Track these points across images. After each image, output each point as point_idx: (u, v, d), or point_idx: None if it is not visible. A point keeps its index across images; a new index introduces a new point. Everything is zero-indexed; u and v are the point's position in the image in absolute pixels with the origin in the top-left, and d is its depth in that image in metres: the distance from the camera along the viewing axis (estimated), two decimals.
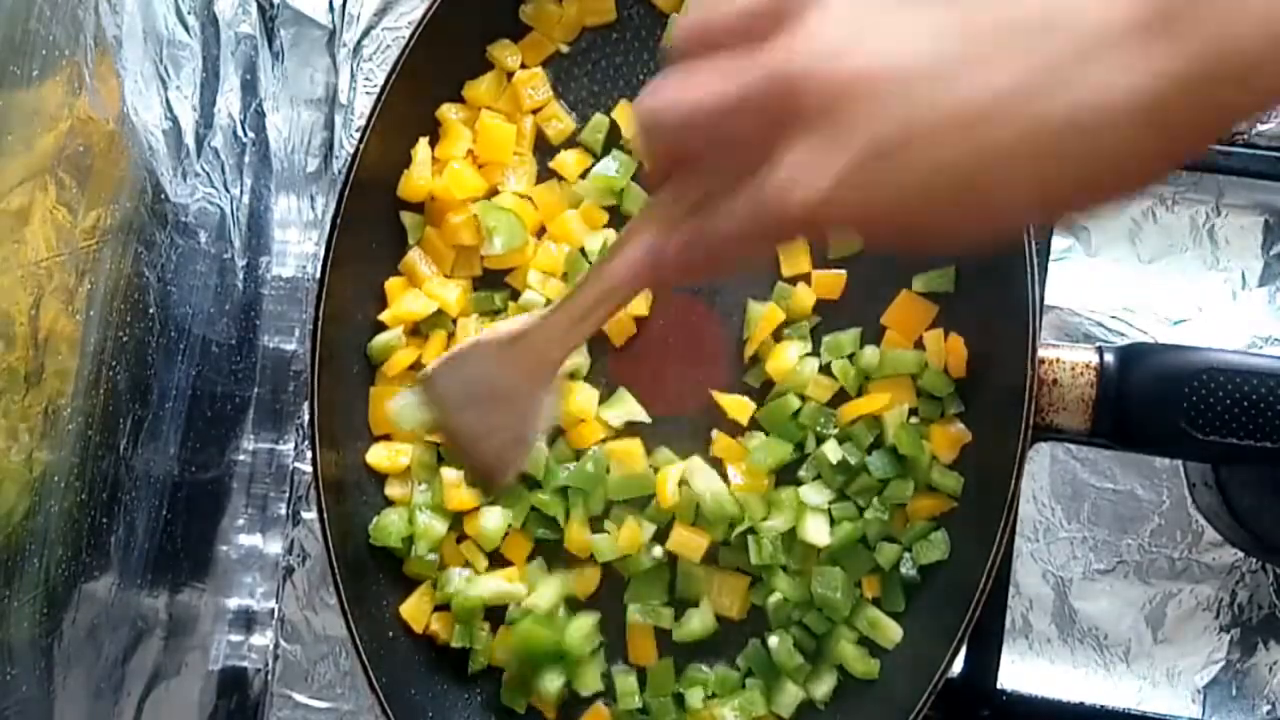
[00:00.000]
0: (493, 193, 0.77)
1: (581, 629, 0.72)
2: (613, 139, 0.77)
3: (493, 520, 0.73)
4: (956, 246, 0.38)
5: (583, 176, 0.76)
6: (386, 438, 0.77)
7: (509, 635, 0.72)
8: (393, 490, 0.76)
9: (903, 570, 0.70)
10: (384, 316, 0.77)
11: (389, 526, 0.74)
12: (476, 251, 0.76)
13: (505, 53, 0.78)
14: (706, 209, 0.41)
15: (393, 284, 0.77)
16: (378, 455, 0.76)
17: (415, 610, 0.75)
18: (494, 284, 0.77)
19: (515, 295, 0.76)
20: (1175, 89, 0.32)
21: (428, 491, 0.75)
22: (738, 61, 0.38)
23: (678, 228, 0.43)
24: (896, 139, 0.35)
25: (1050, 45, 0.33)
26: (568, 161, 0.76)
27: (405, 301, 0.76)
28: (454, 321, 0.77)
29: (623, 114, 0.77)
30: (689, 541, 0.71)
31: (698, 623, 0.71)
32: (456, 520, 0.75)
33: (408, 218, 0.77)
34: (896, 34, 0.35)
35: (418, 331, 0.77)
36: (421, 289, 0.76)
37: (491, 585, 0.73)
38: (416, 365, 0.76)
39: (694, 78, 0.39)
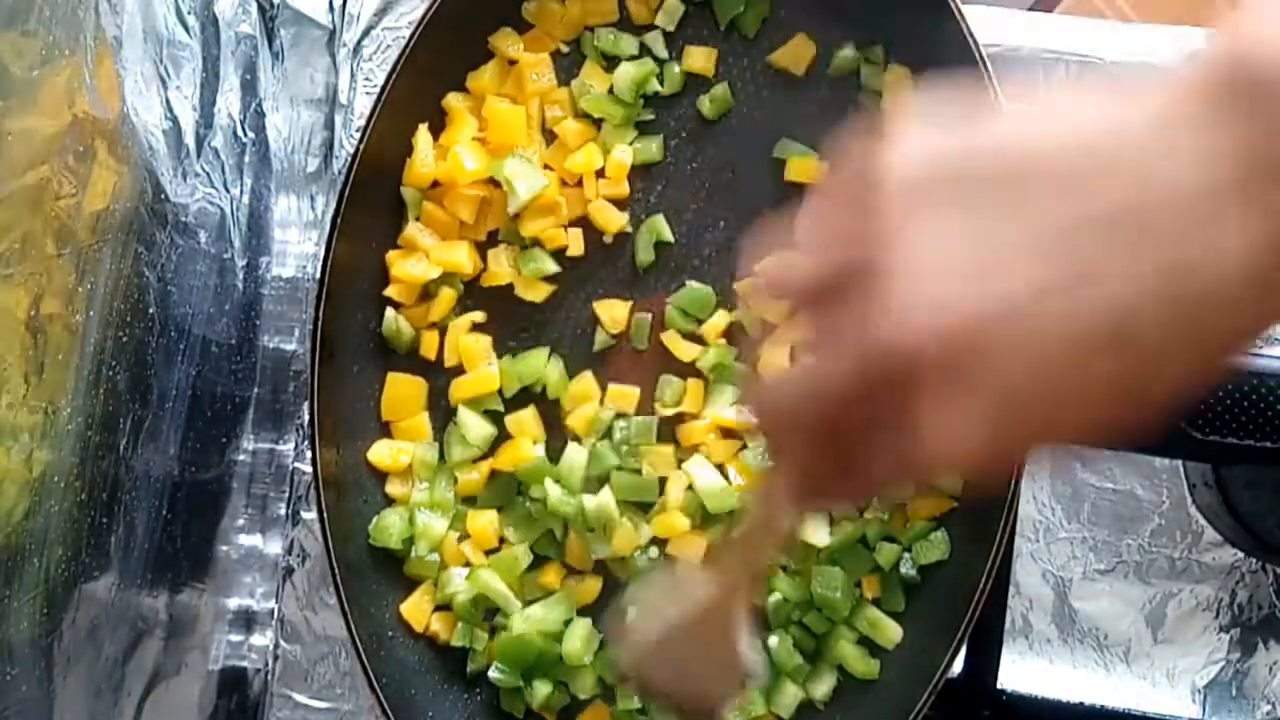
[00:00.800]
0: None
1: (579, 636, 0.72)
2: None
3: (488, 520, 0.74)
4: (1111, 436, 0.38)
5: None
6: (389, 431, 0.77)
7: (504, 640, 0.72)
8: (393, 488, 0.76)
9: (903, 570, 0.70)
10: (390, 290, 0.77)
11: (389, 527, 0.74)
12: (478, 226, 0.77)
13: (507, 41, 0.78)
14: (845, 464, 0.40)
15: (393, 256, 0.77)
16: (380, 453, 0.76)
17: (415, 610, 0.75)
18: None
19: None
20: (1268, 246, 0.31)
21: (428, 490, 0.75)
22: (833, 337, 0.36)
23: (808, 481, 0.42)
24: (1028, 380, 0.33)
25: (1161, 233, 0.32)
26: (571, 129, 0.77)
27: (407, 266, 0.76)
28: (463, 285, 0.77)
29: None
30: (689, 543, 0.71)
31: None
32: (456, 520, 0.75)
33: (408, 193, 0.77)
34: (987, 268, 0.33)
35: (427, 295, 0.77)
36: (429, 257, 0.76)
37: (493, 582, 0.73)
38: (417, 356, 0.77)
39: (804, 373, 0.39)
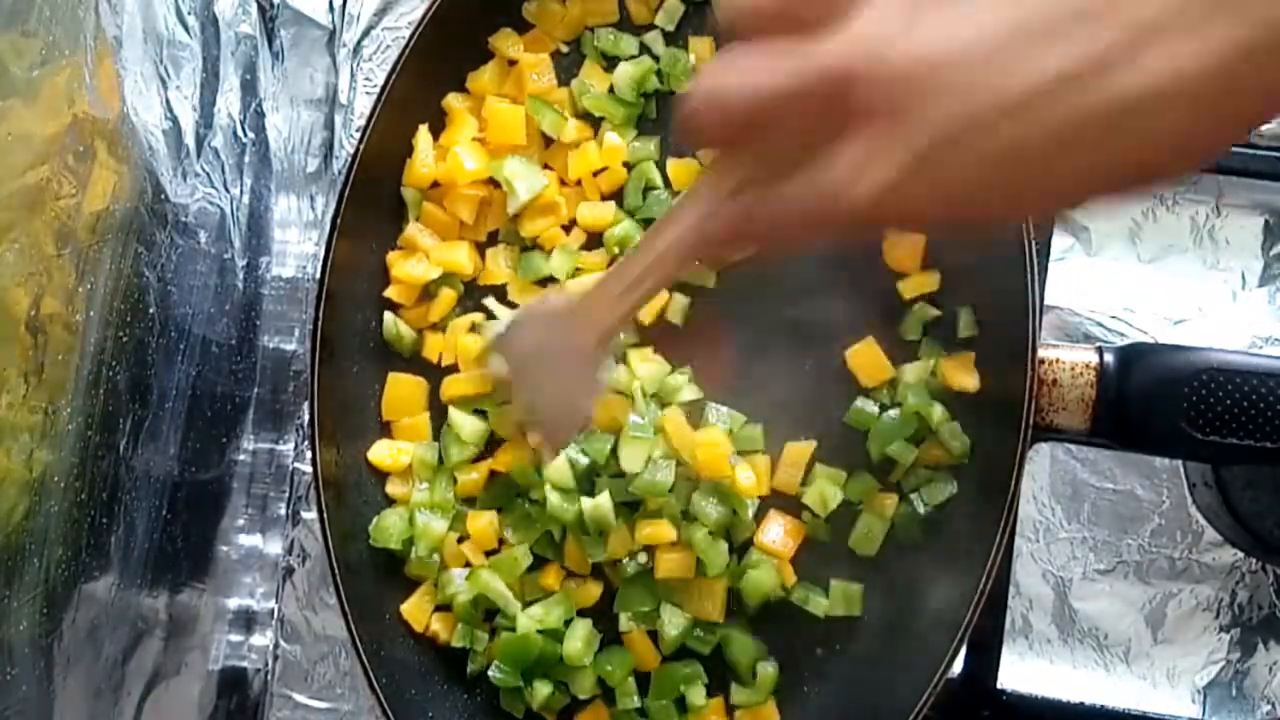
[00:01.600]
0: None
1: (580, 637, 0.72)
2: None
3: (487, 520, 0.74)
4: (1013, 224, 0.38)
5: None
6: (389, 431, 0.77)
7: (504, 641, 0.72)
8: (393, 489, 0.76)
9: (918, 508, 0.71)
10: (390, 291, 0.77)
11: (389, 528, 0.74)
12: (478, 226, 0.77)
13: (507, 42, 0.78)
14: (761, 189, 0.40)
15: (393, 256, 0.77)
16: (380, 453, 0.76)
17: (416, 610, 0.75)
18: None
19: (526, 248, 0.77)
20: (1232, 65, 0.32)
21: (428, 491, 0.75)
22: (793, 51, 0.37)
23: (728, 203, 0.42)
24: (958, 127, 0.34)
25: (1110, 25, 0.33)
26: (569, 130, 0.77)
27: (408, 267, 0.76)
28: (463, 285, 0.77)
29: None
30: (677, 563, 0.71)
31: (672, 628, 0.71)
32: (456, 520, 0.75)
33: (408, 193, 0.77)
34: (949, 22, 0.34)
35: (427, 295, 0.77)
36: (429, 257, 0.77)
37: (494, 583, 0.73)
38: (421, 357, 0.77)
39: (749, 63, 0.38)
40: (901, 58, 0.35)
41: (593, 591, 0.73)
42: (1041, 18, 0.33)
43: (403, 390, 0.77)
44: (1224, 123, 0.34)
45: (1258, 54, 0.32)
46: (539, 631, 0.72)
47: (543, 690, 0.71)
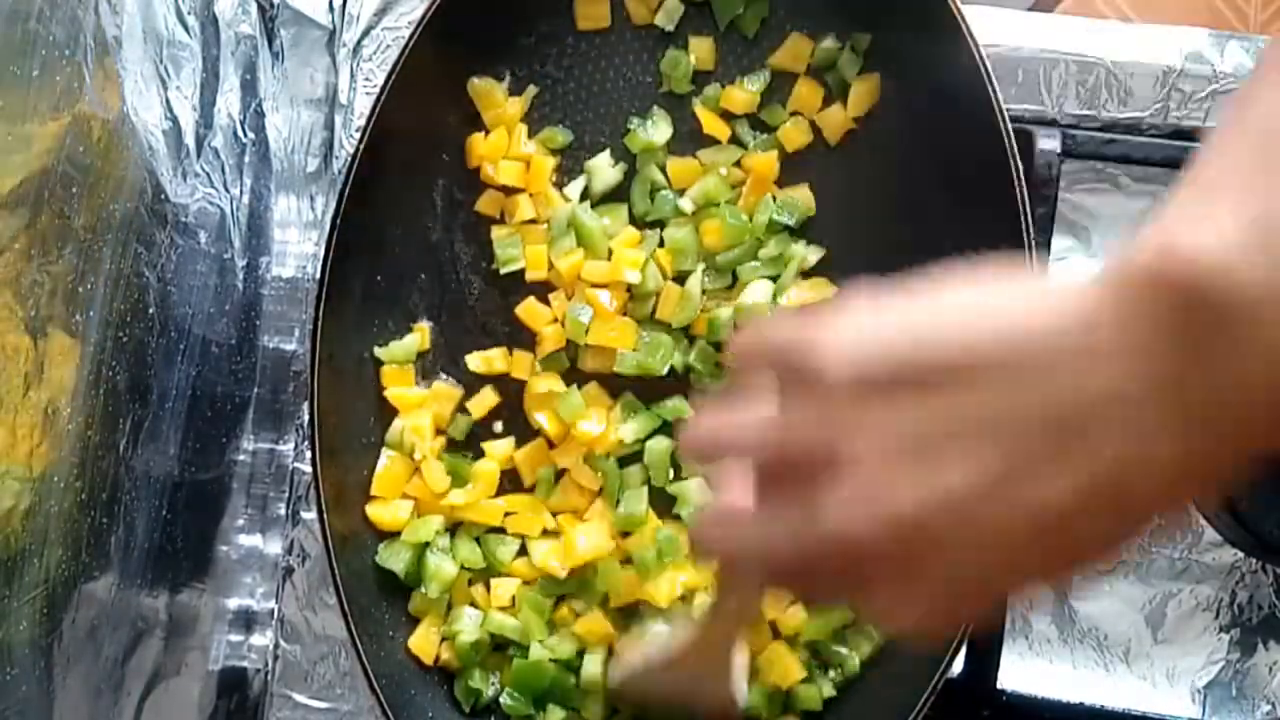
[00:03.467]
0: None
1: (596, 661, 0.72)
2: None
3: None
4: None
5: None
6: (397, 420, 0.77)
7: (517, 668, 0.72)
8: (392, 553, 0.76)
9: None
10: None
11: (395, 555, 0.74)
12: None
13: (489, 97, 0.78)
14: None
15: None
16: (377, 511, 0.76)
17: (423, 642, 0.74)
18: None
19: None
20: (1225, 440, 0.33)
21: (441, 533, 0.75)
22: (777, 514, 0.39)
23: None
24: (969, 567, 0.36)
25: (1097, 439, 0.33)
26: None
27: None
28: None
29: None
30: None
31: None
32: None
33: None
34: (929, 470, 0.35)
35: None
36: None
37: (508, 622, 0.73)
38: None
39: (737, 520, 0.41)
40: (891, 521, 0.36)
41: (607, 625, 0.73)
42: (1018, 453, 0.34)
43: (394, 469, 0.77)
44: (1198, 483, 0.35)
45: (1244, 433, 0.33)
46: (552, 660, 0.72)
47: (555, 716, 0.71)
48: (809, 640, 0.70)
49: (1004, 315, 0.35)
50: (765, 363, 0.40)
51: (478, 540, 0.75)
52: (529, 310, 0.77)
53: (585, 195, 0.77)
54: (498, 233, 0.77)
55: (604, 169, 0.77)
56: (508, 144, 0.78)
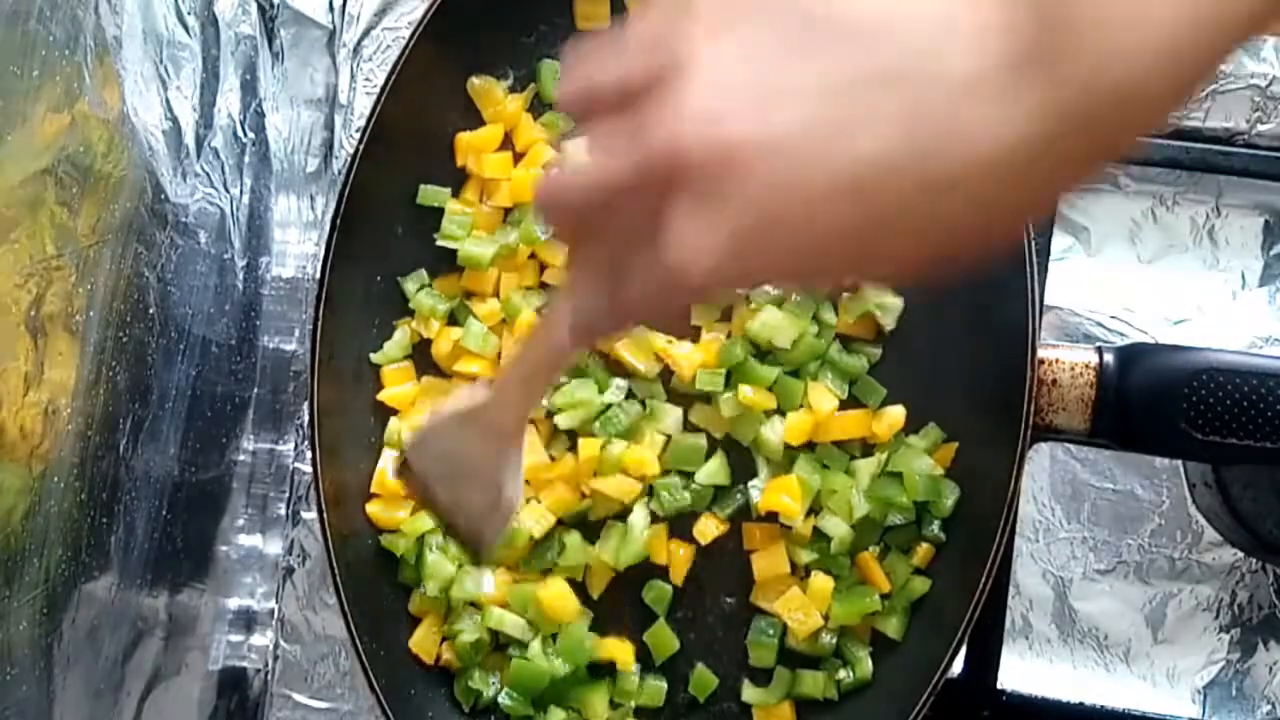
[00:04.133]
0: None
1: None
2: None
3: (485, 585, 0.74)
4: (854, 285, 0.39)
5: None
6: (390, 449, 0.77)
7: (517, 668, 0.72)
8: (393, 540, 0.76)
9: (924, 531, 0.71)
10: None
11: (396, 545, 0.75)
12: None
13: (489, 96, 0.78)
14: (616, 274, 0.42)
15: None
16: (376, 509, 0.76)
17: (424, 642, 0.74)
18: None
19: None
20: (1053, 130, 0.33)
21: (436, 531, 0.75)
22: (621, 133, 0.39)
23: (595, 291, 0.44)
24: (776, 208, 0.36)
25: (924, 102, 0.34)
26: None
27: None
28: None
29: None
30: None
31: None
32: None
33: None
34: (768, 98, 0.35)
35: None
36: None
37: (508, 618, 0.73)
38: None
39: (585, 158, 0.40)
40: (720, 137, 0.36)
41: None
42: (857, 97, 0.34)
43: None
44: (1054, 177, 0.35)
45: (1072, 117, 0.33)
46: (535, 655, 0.72)
47: (556, 716, 0.72)
48: (838, 625, 0.70)
49: None
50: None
51: None
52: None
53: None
54: (451, 206, 0.77)
55: (579, 153, 0.77)
56: (499, 139, 0.77)
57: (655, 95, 0.37)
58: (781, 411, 0.72)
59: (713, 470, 0.72)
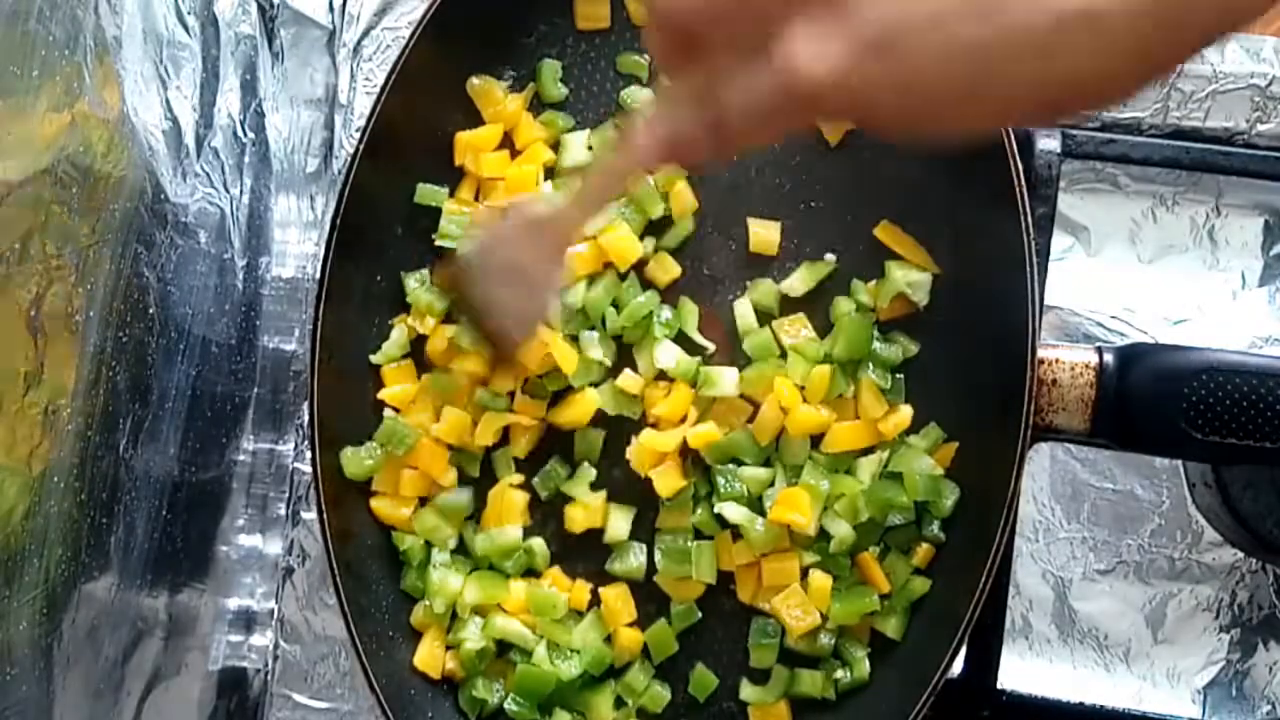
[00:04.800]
0: None
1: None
2: None
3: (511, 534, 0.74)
4: (952, 136, 0.38)
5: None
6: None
7: (522, 673, 0.72)
8: (402, 542, 0.76)
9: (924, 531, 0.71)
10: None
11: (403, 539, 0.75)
12: None
13: (488, 96, 0.78)
14: (720, 88, 0.41)
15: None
16: (381, 505, 0.76)
17: (429, 658, 0.74)
18: None
19: None
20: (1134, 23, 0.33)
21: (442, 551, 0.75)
22: None
23: (693, 104, 0.43)
24: (899, 25, 0.35)
25: None
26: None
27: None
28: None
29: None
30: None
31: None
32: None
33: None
34: None
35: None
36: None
37: (512, 627, 0.73)
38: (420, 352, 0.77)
39: None
40: None
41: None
42: None
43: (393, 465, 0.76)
44: (1158, 51, 0.35)
45: None
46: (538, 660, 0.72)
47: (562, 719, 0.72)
48: (836, 625, 0.70)
49: None
50: None
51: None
52: None
53: (552, 171, 0.77)
54: (449, 206, 0.77)
55: (576, 145, 0.77)
56: (498, 139, 0.78)
57: None
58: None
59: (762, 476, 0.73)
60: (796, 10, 0.36)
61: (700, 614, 0.73)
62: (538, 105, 0.79)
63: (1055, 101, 0.37)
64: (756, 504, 0.72)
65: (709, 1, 0.39)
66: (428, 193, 0.77)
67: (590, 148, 0.77)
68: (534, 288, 0.61)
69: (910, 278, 0.72)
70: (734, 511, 0.71)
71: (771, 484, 0.72)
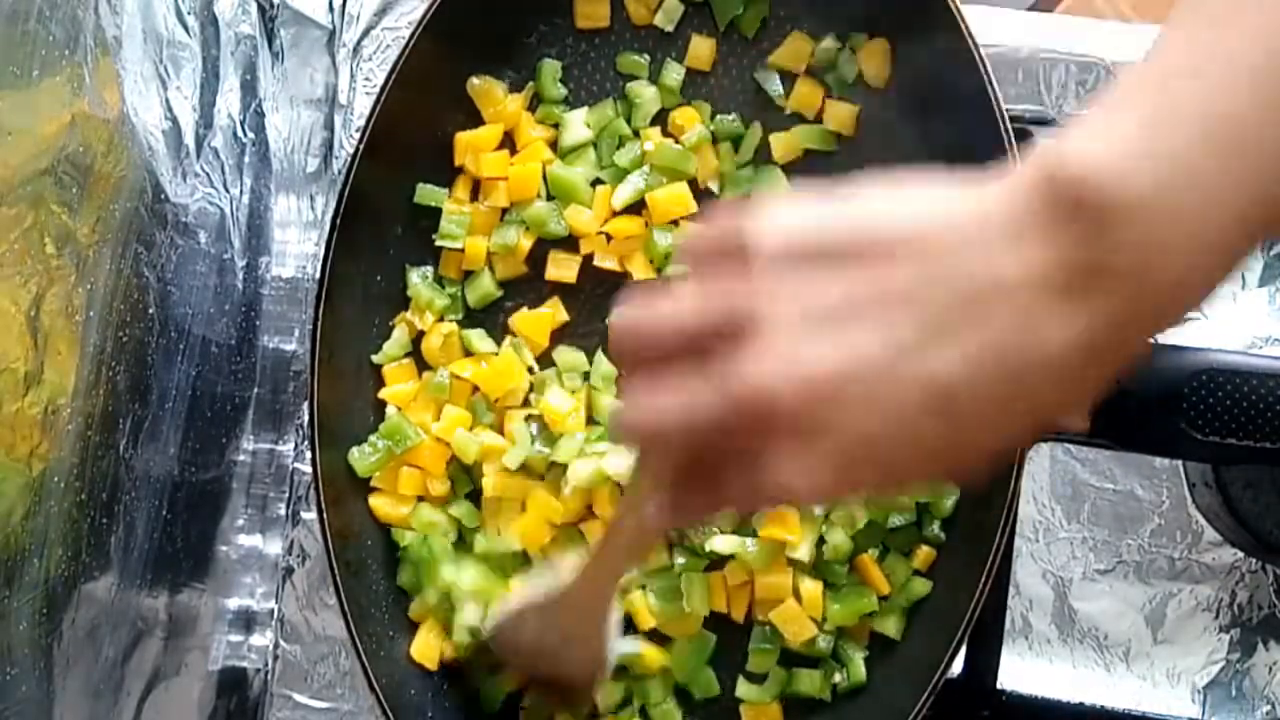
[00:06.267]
0: None
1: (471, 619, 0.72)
2: None
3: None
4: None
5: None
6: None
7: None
8: (402, 539, 0.76)
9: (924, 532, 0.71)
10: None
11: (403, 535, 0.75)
12: None
13: (488, 96, 0.78)
14: (699, 485, 0.44)
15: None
16: (380, 503, 0.76)
17: (425, 649, 0.74)
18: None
19: None
20: (1104, 333, 0.36)
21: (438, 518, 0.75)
22: (695, 380, 0.41)
23: (670, 499, 0.46)
24: (872, 429, 0.38)
25: (989, 319, 0.37)
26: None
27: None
28: None
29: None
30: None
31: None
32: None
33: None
34: (841, 332, 0.38)
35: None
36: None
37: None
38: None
39: (657, 393, 0.42)
40: (808, 379, 0.38)
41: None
42: (926, 319, 0.37)
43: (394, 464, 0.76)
44: (1105, 367, 0.38)
45: (1123, 320, 0.36)
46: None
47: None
48: (835, 627, 0.70)
49: (922, 205, 0.39)
50: (703, 250, 0.42)
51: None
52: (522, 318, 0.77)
53: (554, 148, 0.77)
54: (448, 206, 0.77)
55: (576, 124, 0.77)
56: (498, 139, 0.78)
57: (727, 345, 0.39)
58: None
59: None
60: (768, 439, 0.39)
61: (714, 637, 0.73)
62: (537, 105, 0.79)
63: (1024, 436, 0.41)
64: (746, 526, 0.72)
65: (675, 437, 0.43)
66: (427, 193, 0.77)
67: (588, 125, 0.77)
68: (581, 648, 0.60)
69: None
70: (724, 543, 0.71)
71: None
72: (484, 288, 0.77)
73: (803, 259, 0.39)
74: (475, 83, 0.78)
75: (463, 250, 0.77)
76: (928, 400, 0.37)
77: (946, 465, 0.41)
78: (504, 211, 0.77)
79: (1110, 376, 0.38)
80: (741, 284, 0.40)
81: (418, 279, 0.77)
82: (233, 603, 0.82)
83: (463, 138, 0.77)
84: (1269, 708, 0.76)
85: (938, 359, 0.37)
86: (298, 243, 0.87)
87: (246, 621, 0.83)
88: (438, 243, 0.77)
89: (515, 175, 0.76)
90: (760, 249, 0.40)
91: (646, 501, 0.48)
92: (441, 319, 0.77)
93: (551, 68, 0.78)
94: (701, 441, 0.42)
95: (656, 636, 0.72)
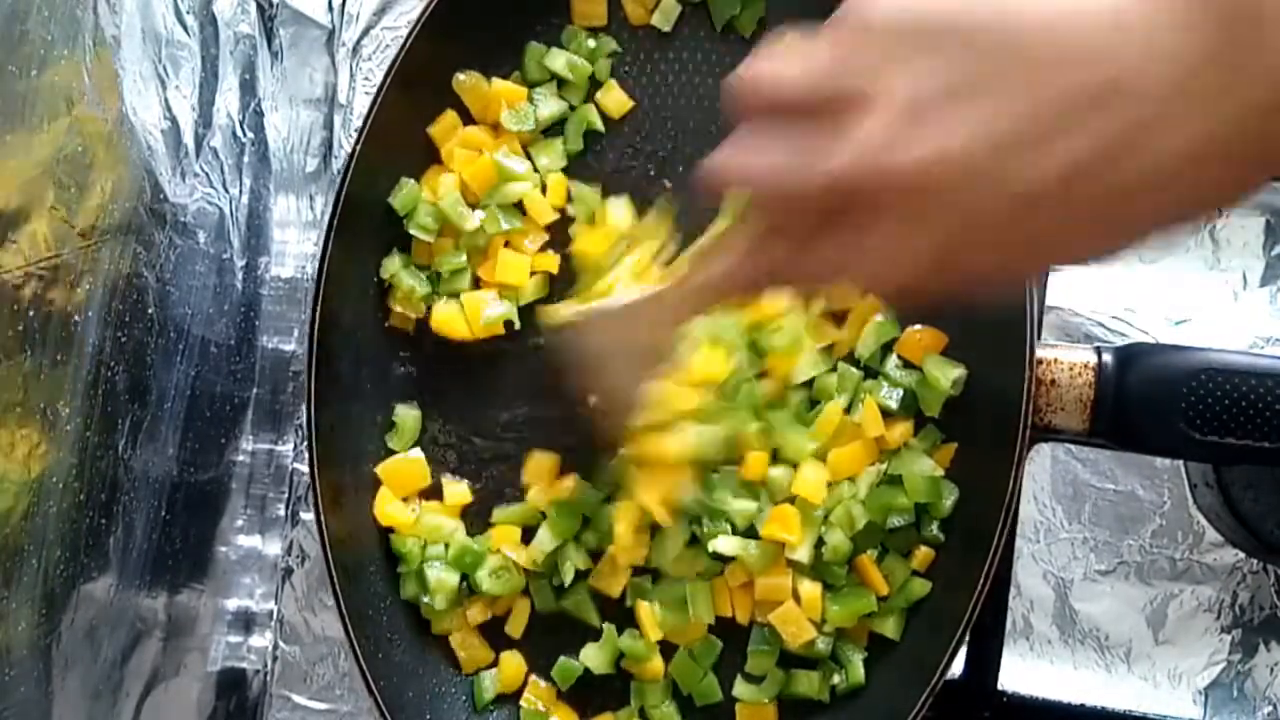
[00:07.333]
0: None
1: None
2: None
3: None
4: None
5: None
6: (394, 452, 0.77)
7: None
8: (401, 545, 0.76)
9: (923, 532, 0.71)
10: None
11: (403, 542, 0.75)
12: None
13: (474, 91, 0.77)
14: (793, 249, 0.43)
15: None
16: (384, 508, 0.76)
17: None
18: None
19: None
20: (1241, 128, 0.34)
21: (440, 546, 0.75)
22: (811, 143, 0.39)
23: (764, 254, 0.45)
24: (972, 223, 0.37)
25: (1116, 113, 0.35)
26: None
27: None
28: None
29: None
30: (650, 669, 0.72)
31: None
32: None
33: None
34: (961, 121, 0.36)
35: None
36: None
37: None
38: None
39: (768, 148, 0.41)
40: (907, 167, 0.37)
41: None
42: (1042, 114, 0.35)
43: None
44: (1241, 171, 0.36)
45: (1264, 112, 0.34)
46: None
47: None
48: (834, 628, 0.70)
49: None
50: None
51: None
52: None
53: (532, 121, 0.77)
54: (424, 196, 0.76)
55: (549, 100, 0.77)
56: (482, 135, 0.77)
57: (840, 115, 0.38)
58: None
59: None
60: (873, 215, 0.38)
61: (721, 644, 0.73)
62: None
63: (1139, 241, 0.38)
64: (749, 528, 0.71)
65: (779, 198, 0.42)
66: (405, 188, 0.77)
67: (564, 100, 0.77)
68: (637, 368, 0.61)
69: (951, 375, 0.69)
70: (727, 544, 0.70)
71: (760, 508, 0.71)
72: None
73: (919, 36, 0.37)
74: (461, 78, 0.77)
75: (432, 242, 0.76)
76: (1050, 189, 0.36)
77: (1047, 258, 0.39)
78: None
79: (1245, 183, 0.37)
80: (856, 55, 0.38)
81: (394, 266, 0.76)
82: (232, 603, 0.82)
83: (437, 127, 0.77)
84: (1271, 708, 0.76)
85: (1065, 148, 0.35)
86: (297, 243, 0.87)
87: (245, 622, 0.83)
88: (410, 230, 0.76)
89: (482, 166, 0.76)
90: (877, 17, 0.38)
91: (733, 251, 0.47)
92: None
93: (537, 50, 0.77)
94: (801, 204, 0.41)
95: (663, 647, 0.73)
